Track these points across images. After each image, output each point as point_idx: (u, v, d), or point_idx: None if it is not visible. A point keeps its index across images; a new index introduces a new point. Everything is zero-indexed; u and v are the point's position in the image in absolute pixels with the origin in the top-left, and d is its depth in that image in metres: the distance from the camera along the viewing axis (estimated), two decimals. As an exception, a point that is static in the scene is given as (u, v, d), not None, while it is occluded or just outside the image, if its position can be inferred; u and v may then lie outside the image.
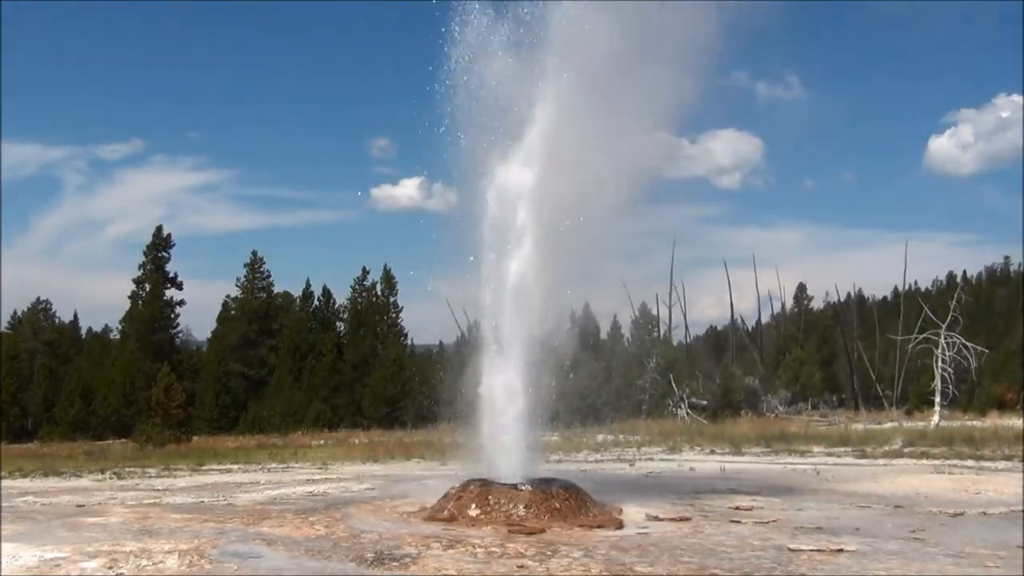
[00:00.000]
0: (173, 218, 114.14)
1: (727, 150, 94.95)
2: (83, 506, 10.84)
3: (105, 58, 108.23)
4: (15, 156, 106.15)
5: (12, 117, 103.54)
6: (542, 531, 8.24)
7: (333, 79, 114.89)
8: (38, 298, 52.38)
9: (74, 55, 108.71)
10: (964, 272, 73.20)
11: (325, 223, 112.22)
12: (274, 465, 18.94)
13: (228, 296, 49.86)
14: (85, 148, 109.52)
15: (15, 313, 51.81)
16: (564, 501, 9.02)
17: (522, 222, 10.04)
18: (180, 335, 50.56)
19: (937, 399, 31.78)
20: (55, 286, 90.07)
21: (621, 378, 39.45)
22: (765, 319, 61.66)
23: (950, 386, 32.14)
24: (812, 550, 7.31)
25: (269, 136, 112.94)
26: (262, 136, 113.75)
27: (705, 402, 38.80)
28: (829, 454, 19.09)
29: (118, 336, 49.49)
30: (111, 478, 16.11)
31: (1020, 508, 9.91)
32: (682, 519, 9.04)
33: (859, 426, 29.94)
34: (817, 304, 61.12)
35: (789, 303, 62.18)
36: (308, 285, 50.32)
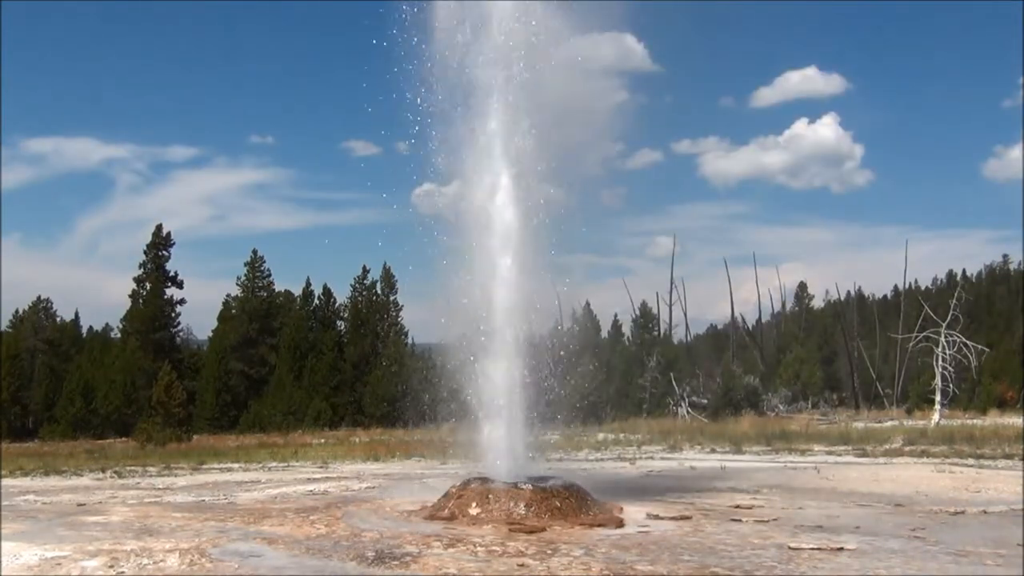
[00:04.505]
0: (222, 218, 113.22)
1: (730, 152, 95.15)
2: (84, 505, 10.84)
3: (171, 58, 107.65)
4: (70, 151, 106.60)
5: (66, 112, 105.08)
6: (543, 530, 8.25)
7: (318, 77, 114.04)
8: (39, 296, 52.47)
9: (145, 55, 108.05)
10: (964, 271, 73.31)
11: (332, 224, 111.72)
12: (275, 464, 18.94)
13: (228, 295, 49.93)
14: (138, 147, 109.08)
15: (16, 312, 51.86)
16: (565, 500, 9.02)
17: (513, 222, 10.08)
18: (181, 334, 50.64)
19: (937, 397, 31.80)
20: (91, 284, 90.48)
21: (622, 377, 39.49)
22: (766, 318, 61.79)
23: (950, 384, 32.17)
24: (812, 548, 7.31)
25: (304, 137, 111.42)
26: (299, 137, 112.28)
27: (706, 401, 38.84)
28: (829, 453, 19.10)
29: (119, 335, 49.54)
30: (112, 477, 16.11)
31: (1020, 507, 9.91)
32: (683, 518, 9.04)
33: (859, 424, 29.97)
34: (817, 303, 61.27)
35: (790, 302, 62.31)
36: (308, 284, 50.39)
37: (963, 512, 9.62)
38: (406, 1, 10.33)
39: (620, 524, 8.69)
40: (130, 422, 38.32)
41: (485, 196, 10.28)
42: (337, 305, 50.47)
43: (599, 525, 8.56)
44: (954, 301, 33.21)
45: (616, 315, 51.91)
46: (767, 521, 8.92)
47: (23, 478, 16.00)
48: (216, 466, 18.52)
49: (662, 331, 51.94)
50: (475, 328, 10.20)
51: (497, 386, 9.91)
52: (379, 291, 49.00)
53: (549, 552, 7.22)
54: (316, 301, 50.03)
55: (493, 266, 10.14)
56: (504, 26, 10.24)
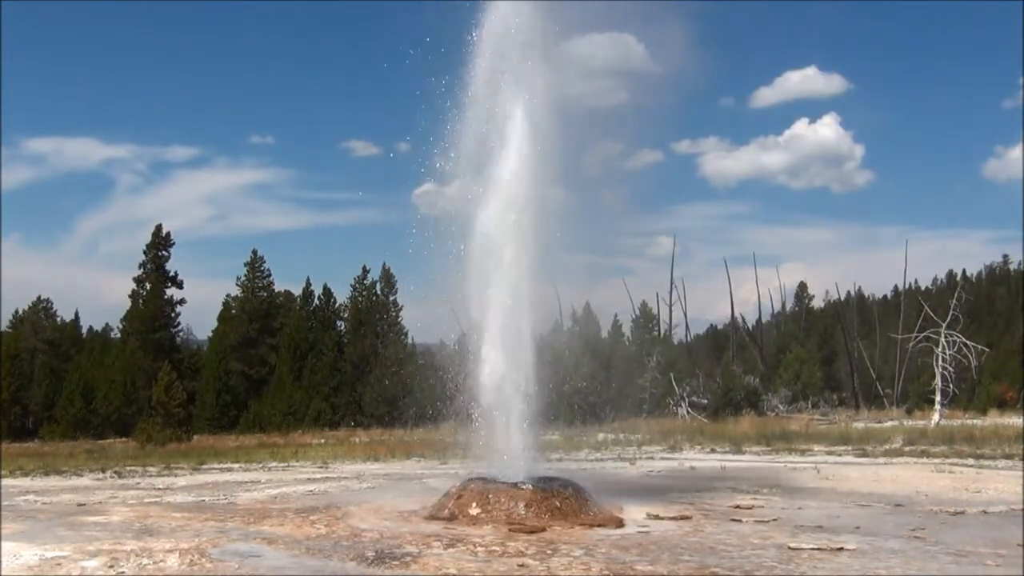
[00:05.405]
0: (222, 218, 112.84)
1: (730, 152, 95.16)
2: (84, 505, 10.84)
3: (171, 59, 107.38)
4: (70, 151, 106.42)
5: (67, 113, 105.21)
6: (543, 530, 8.24)
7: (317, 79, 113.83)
8: (39, 297, 52.53)
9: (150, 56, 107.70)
10: (964, 271, 73.38)
11: (332, 224, 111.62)
12: (275, 464, 18.93)
13: (228, 295, 49.97)
14: (138, 147, 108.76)
15: (16, 312, 51.90)
16: (565, 500, 9.02)
17: (516, 223, 10.08)
18: (181, 334, 50.68)
19: (937, 398, 31.78)
20: (91, 285, 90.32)
21: (622, 377, 39.46)
22: (766, 318, 61.81)
23: (950, 385, 32.14)
24: (813, 549, 7.32)
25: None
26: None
27: (706, 401, 38.82)
28: (829, 453, 19.09)
29: (119, 335, 49.54)
30: (112, 477, 16.10)
31: (1020, 507, 9.91)
32: (683, 518, 9.04)
33: (859, 425, 29.97)
34: (817, 303, 61.30)
35: (790, 302, 62.34)
36: (308, 284, 50.43)
37: (963, 512, 9.62)
38: (410, 2, 10.39)
39: (620, 524, 8.69)
40: (130, 422, 38.35)
41: (486, 196, 10.28)
42: (337, 305, 50.52)
43: (599, 525, 8.56)
44: (954, 301, 33.18)
45: (616, 315, 51.90)
46: (767, 521, 8.92)
47: (23, 478, 15.99)
48: (216, 466, 18.51)
49: (662, 331, 51.94)
50: (475, 329, 10.20)
51: (497, 386, 9.90)
52: (379, 291, 49.01)
53: (549, 552, 7.22)
54: (316, 301, 50.07)
55: (494, 267, 10.14)
56: (505, 26, 10.25)
